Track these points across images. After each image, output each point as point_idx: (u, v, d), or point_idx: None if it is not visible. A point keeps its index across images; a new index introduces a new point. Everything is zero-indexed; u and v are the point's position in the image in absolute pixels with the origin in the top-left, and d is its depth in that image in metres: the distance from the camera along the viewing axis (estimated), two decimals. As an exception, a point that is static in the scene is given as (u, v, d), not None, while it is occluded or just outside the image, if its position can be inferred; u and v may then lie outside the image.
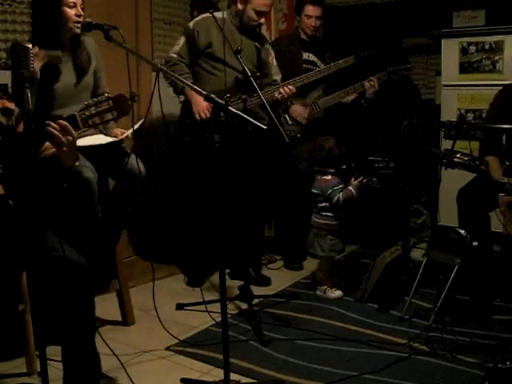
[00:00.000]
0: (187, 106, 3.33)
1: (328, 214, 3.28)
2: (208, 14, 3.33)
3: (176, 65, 3.31)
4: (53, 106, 2.64)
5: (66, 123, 1.78)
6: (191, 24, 3.37)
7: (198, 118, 3.25)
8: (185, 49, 3.33)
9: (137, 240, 3.83)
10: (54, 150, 1.88)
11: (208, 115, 3.21)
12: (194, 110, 3.26)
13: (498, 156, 3.00)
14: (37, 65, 2.36)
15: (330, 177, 3.29)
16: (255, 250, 3.69)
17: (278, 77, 3.55)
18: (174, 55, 3.33)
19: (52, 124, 1.77)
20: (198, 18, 3.40)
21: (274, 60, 3.58)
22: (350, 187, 3.22)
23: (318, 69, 3.76)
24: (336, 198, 3.21)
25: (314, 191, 3.33)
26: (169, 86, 3.41)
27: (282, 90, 3.36)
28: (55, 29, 2.57)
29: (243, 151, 3.32)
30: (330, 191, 3.23)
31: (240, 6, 3.33)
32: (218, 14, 3.38)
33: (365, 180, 3.23)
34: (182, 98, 3.45)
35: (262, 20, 3.36)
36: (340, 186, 3.24)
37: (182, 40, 3.35)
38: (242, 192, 3.44)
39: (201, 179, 3.34)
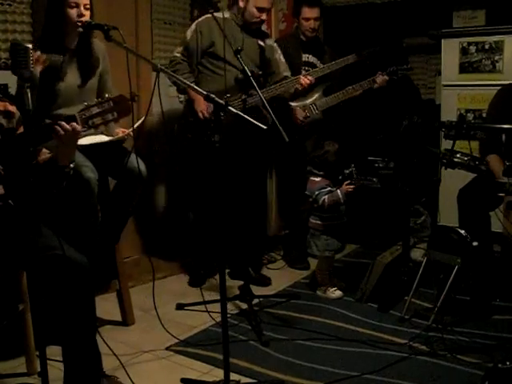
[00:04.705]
0: (190, 104, 3.35)
1: (317, 214, 3.31)
2: (211, 15, 3.37)
3: (179, 64, 3.35)
4: (54, 104, 2.64)
5: (79, 127, 1.80)
6: (194, 24, 3.40)
7: (201, 116, 3.28)
8: (188, 49, 3.36)
9: (137, 240, 3.83)
10: (48, 155, 1.90)
11: (208, 114, 3.25)
12: (197, 108, 3.29)
13: (499, 154, 3.00)
14: (37, 69, 2.38)
15: (318, 179, 3.32)
16: (256, 248, 3.69)
17: (287, 73, 3.56)
18: (178, 54, 3.38)
19: (64, 125, 1.79)
20: (200, 19, 3.43)
21: (282, 57, 3.58)
22: (338, 191, 3.23)
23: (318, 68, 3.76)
24: (321, 200, 3.24)
25: (306, 193, 3.36)
26: (171, 85, 3.43)
27: (302, 80, 3.42)
28: (59, 30, 2.58)
29: (244, 150, 3.33)
30: (316, 193, 3.27)
31: (241, 4, 3.35)
32: (220, 14, 3.40)
33: (351, 188, 3.23)
34: (182, 97, 3.46)
35: (264, 16, 3.37)
36: (327, 189, 3.26)
37: (186, 40, 3.38)
38: (243, 191, 3.45)
39: (202, 177, 3.37)
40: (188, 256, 3.69)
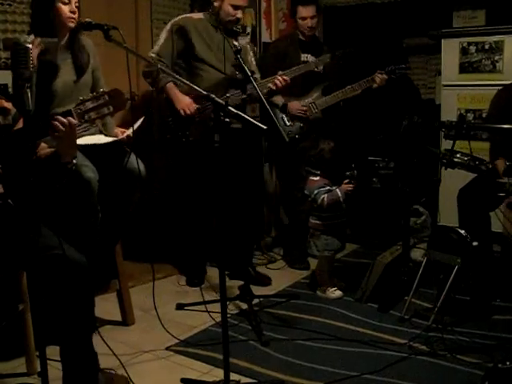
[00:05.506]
0: (168, 104, 3.33)
1: (316, 214, 3.31)
2: (186, 15, 3.41)
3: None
4: (52, 103, 2.64)
5: (75, 121, 1.80)
6: (169, 24, 3.37)
7: (183, 114, 3.27)
8: (164, 49, 3.33)
9: (137, 240, 3.82)
10: (49, 149, 1.90)
11: (193, 111, 3.25)
12: (178, 107, 3.27)
13: (507, 157, 2.98)
14: (34, 52, 2.36)
15: (317, 178, 3.32)
16: (251, 247, 3.69)
17: (257, 75, 3.54)
18: (153, 55, 3.32)
19: (60, 119, 1.79)
20: (176, 19, 3.40)
21: (253, 58, 3.59)
22: (338, 190, 3.23)
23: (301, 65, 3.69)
24: (320, 199, 3.23)
25: (305, 192, 3.36)
26: (148, 86, 3.42)
27: (276, 80, 3.38)
28: (51, 25, 2.58)
29: (238, 150, 3.32)
30: (315, 192, 3.26)
31: (216, 4, 3.33)
32: (197, 15, 3.41)
33: (350, 187, 3.23)
34: None
35: (239, 14, 3.34)
36: (326, 188, 3.26)
37: (161, 40, 3.34)
38: (236, 189, 3.44)
39: (187, 176, 3.40)
40: (181, 256, 3.69)
